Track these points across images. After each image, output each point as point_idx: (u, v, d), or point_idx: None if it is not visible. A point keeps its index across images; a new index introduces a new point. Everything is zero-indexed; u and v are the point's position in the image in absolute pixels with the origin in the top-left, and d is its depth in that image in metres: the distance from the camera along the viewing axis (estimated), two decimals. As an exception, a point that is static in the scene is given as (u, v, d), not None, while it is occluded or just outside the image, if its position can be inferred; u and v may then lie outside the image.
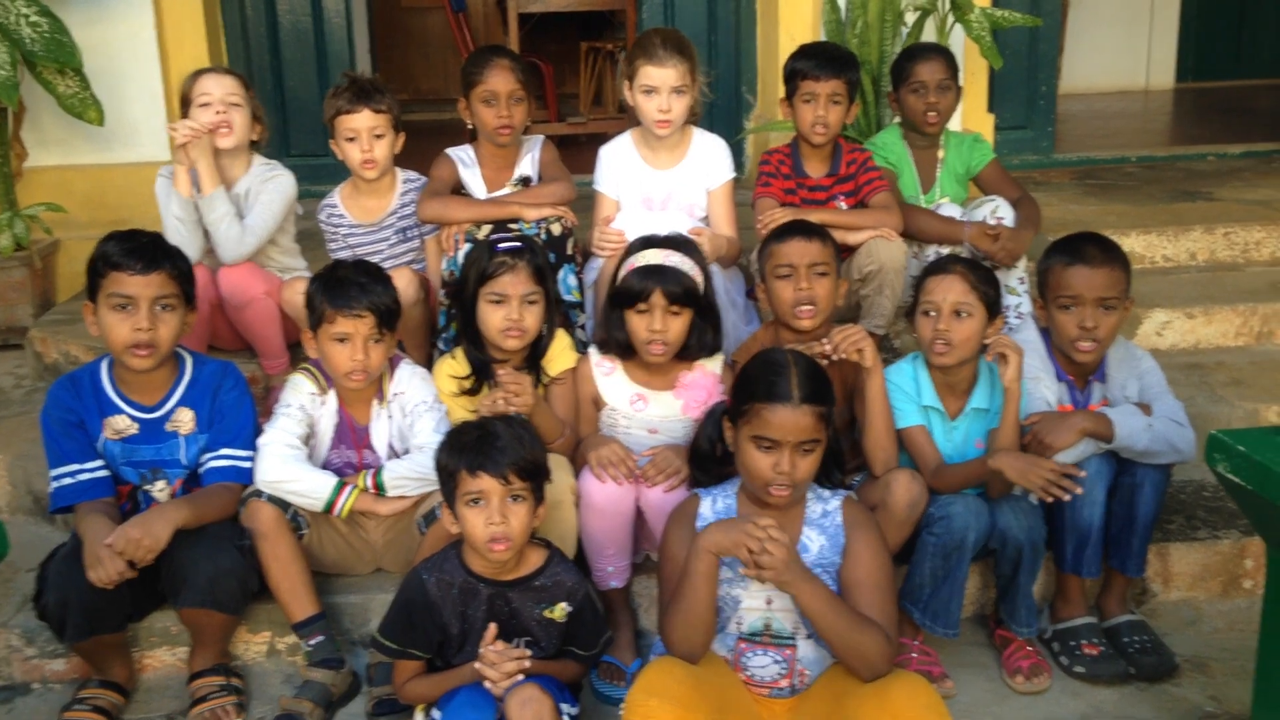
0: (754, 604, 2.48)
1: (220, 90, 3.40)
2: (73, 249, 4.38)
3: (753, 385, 2.44)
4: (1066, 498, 2.66)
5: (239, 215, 3.36)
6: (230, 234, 3.30)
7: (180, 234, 3.28)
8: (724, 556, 2.36)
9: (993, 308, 2.86)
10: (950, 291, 2.82)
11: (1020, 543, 2.75)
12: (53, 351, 3.89)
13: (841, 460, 2.65)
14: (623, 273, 2.91)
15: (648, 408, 2.98)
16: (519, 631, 2.52)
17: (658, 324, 2.84)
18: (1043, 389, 2.95)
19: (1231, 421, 3.43)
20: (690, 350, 2.93)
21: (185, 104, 3.43)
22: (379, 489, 2.83)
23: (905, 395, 2.90)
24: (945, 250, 3.48)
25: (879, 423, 2.82)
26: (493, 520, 2.40)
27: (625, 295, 2.87)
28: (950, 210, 3.61)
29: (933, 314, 2.84)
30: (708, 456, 2.69)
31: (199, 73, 3.47)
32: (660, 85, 3.38)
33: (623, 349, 2.94)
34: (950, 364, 2.86)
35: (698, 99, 3.49)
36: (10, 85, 4.05)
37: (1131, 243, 4.26)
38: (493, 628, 2.47)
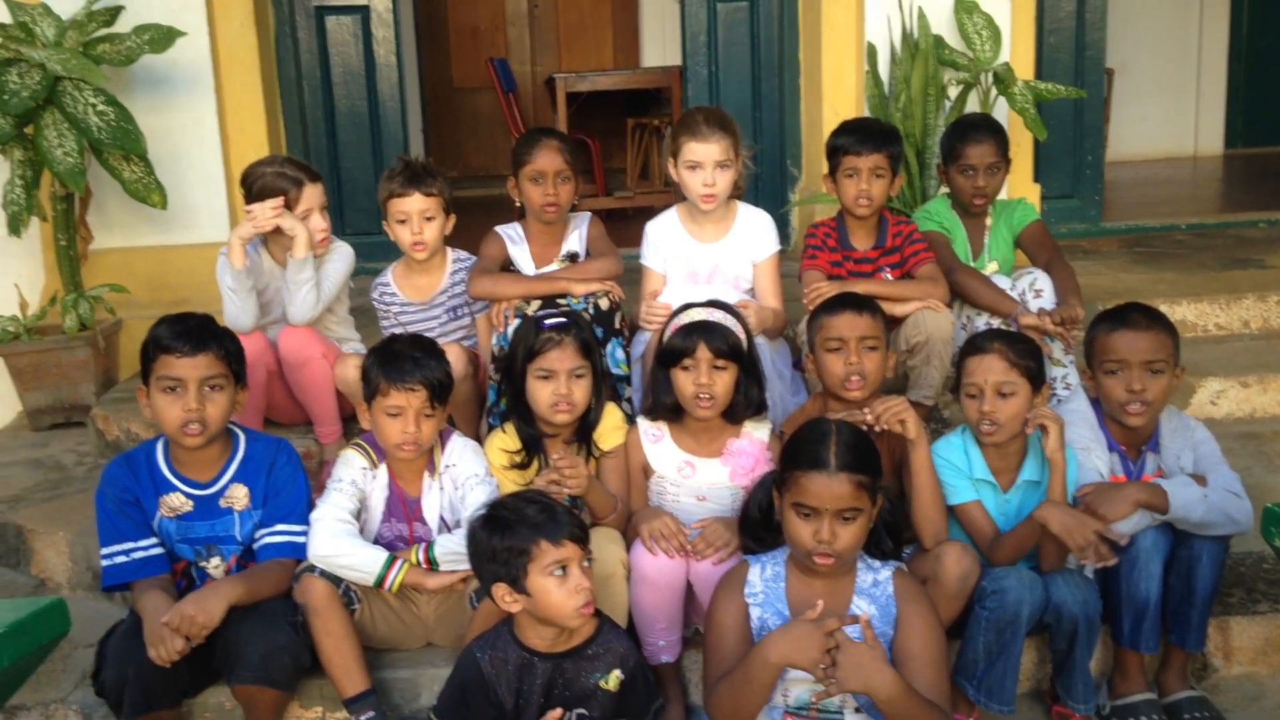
0: (800, 675, 2.44)
1: (318, 200, 3.55)
2: (135, 328, 4.48)
3: (796, 453, 2.47)
4: (1110, 561, 2.62)
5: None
6: (309, 298, 3.43)
7: (234, 303, 3.39)
8: (793, 669, 2.33)
9: (1036, 380, 2.85)
10: (991, 372, 2.81)
11: (1075, 617, 2.71)
12: (114, 429, 3.98)
13: (899, 532, 2.64)
14: (668, 333, 2.96)
15: (695, 475, 2.99)
16: (575, 702, 2.53)
17: (704, 378, 2.87)
18: (1094, 459, 2.92)
19: (1290, 492, 3.37)
20: (737, 410, 2.96)
21: (249, 190, 3.52)
22: (430, 563, 2.85)
23: (956, 470, 2.88)
24: (995, 322, 3.48)
25: (926, 495, 2.81)
26: (582, 586, 2.44)
27: (671, 353, 2.91)
28: (999, 283, 3.60)
29: (976, 395, 2.83)
30: (758, 524, 2.70)
31: (289, 177, 3.51)
32: (704, 160, 3.43)
33: (671, 411, 2.97)
34: (1000, 441, 2.85)
35: (741, 173, 3.54)
36: (78, 172, 4.20)
37: (1183, 311, 4.23)
38: (556, 711, 2.48)
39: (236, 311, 3.39)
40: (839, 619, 2.29)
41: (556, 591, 2.44)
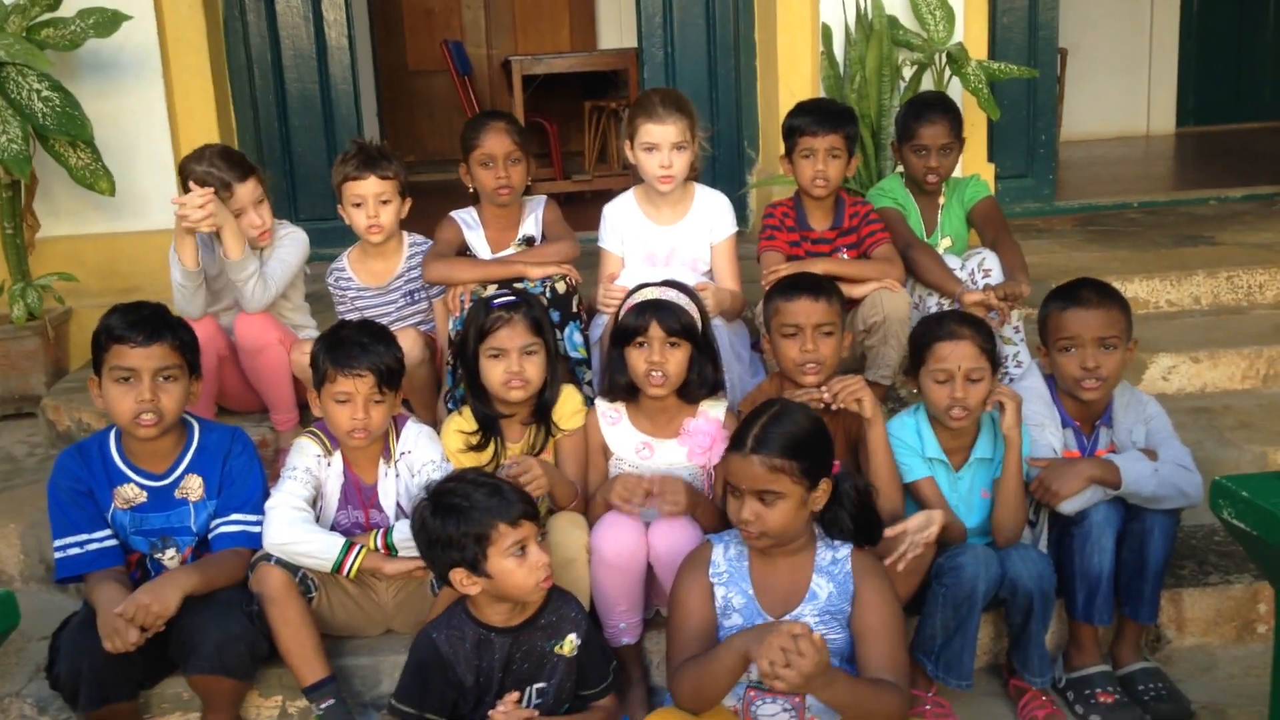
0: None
1: (252, 196, 3.46)
2: (85, 317, 4.42)
3: (735, 432, 2.52)
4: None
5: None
6: (256, 290, 3.37)
7: (183, 297, 3.35)
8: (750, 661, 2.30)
9: (995, 363, 2.88)
10: (964, 359, 2.81)
11: (1030, 591, 2.74)
12: (65, 419, 3.92)
13: (870, 519, 2.61)
14: (622, 313, 2.97)
15: (654, 456, 3.00)
16: (532, 676, 2.55)
17: (656, 355, 2.87)
18: (1048, 435, 2.95)
19: (1240, 465, 3.42)
20: (691, 388, 2.96)
21: (184, 185, 3.45)
22: (389, 549, 2.84)
23: (909, 449, 2.90)
24: (946, 303, 3.50)
25: (883, 473, 2.83)
26: (541, 561, 2.46)
27: (624, 332, 2.91)
28: (949, 262, 3.62)
29: (946, 381, 2.83)
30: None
31: (216, 177, 3.41)
32: (661, 142, 3.43)
33: (626, 391, 2.97)
34: (966, 424, 2.87)
35: (698, 155, 3.54)
36: (23, 159, 4.12)
37: (1135, 288, 4.27)
38: (513, 694, 2.48)
39: (185, 304, 3.34)
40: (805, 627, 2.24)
41: (518, 571, 2.45)
